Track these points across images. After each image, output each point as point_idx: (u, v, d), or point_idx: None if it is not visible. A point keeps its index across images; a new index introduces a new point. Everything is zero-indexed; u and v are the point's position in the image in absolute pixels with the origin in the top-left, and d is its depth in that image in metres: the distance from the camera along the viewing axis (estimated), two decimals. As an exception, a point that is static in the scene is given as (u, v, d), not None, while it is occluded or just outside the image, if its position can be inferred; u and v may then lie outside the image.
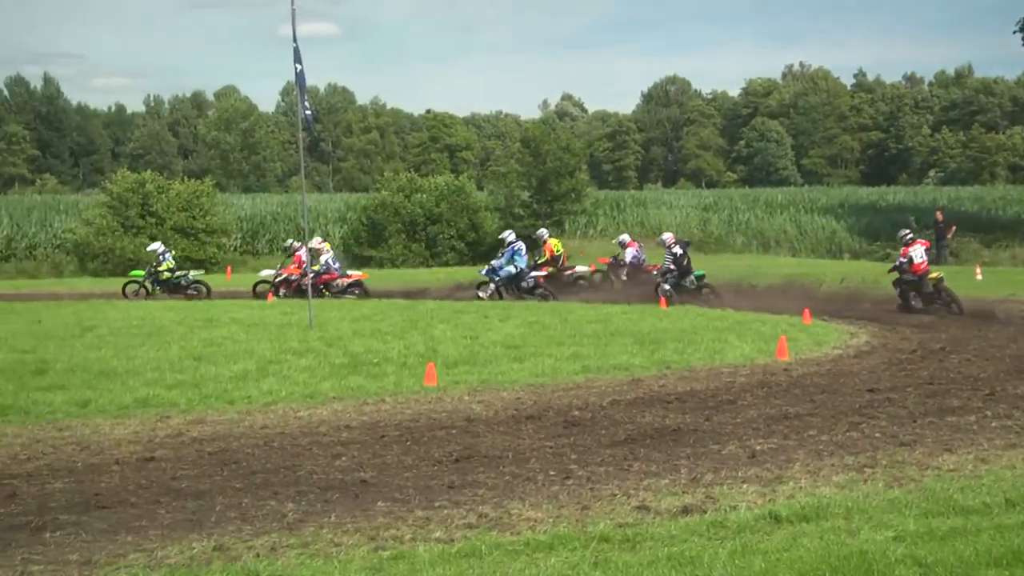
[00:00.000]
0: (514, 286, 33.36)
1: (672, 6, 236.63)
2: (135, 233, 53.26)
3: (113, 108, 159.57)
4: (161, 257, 37.13)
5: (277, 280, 36.22)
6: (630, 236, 37.34)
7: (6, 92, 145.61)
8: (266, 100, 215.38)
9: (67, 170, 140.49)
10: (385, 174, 70.49)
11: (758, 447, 12.30)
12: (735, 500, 9.96)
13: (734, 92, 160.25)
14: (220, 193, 67.21)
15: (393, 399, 15.66)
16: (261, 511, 9.90)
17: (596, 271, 38.01)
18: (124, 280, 38.54)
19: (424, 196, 59.15)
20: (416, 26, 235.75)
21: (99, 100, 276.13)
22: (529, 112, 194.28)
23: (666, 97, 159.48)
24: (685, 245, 33.06)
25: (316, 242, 37.16)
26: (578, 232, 63.91)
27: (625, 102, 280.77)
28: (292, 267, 36.09)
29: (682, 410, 14.73)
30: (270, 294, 35.40)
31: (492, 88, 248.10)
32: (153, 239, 50.05)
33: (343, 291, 35.23)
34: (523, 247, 34.22)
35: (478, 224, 58.86)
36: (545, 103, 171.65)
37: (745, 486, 10.49)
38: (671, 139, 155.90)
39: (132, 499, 10.42)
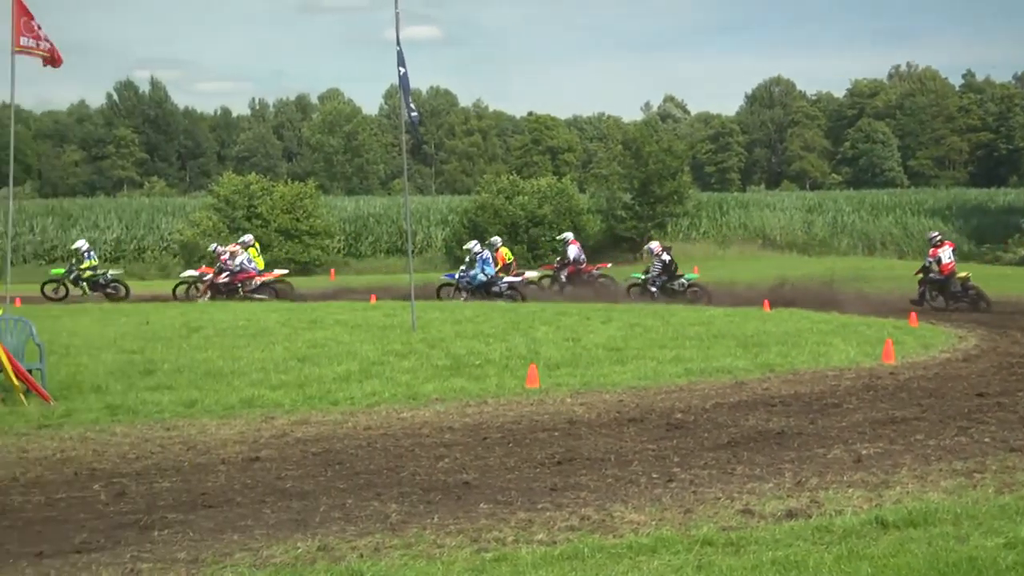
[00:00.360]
0: (483, 291, 35.52)
1: (776, 6, 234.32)
2: (241, 235, 53.91)
3: (219, 112, 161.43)
4: (85, 255, 37.58)
5: (200, 281, 37.07)
6: (573, 235, 39.64)
7: (116, 97, 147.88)
8: (369, 103, 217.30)
9: (174, 173, 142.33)
10: (486, 176, 70.63)
11: (864, 451, 12.14)
12: (841, 504, 9.83)
13: (839, 93, 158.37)
14: (323, 195, 67.82)
15: (495, 401, 15.68)
16: (364, 512, 9.94)
17: (543, 276, 40.36)
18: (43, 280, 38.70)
19: (526, 198, 59.22)
20: (519, 28, 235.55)
21: (206, 104, 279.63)
22: (631, 114, 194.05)
23: (770, 98, 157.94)
24: (670, 252, 36.17)
25: (248, 238, 38.68)
26: (680, 235, 63.68)
27: (728, 104, 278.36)
28: (206, 267, 37.56)
29: (786, 413, 14.60)
30: (201, 292, 36.37)
31: (594, 90, 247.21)
32: (257, 240, 50.76)
33: (256, 290, 36.12)
34: (490, 256, 36.21)
35: (580, 226, 58.81)
36: (647, 105, 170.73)
37: (851, 490, 10.36)
38: (775, 141, 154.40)
39: (238, 498, 10.52)
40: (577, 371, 18.08)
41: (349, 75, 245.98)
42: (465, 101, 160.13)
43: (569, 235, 40.97)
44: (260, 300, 35.09)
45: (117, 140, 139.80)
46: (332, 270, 52.75)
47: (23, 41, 22.78)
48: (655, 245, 36.52)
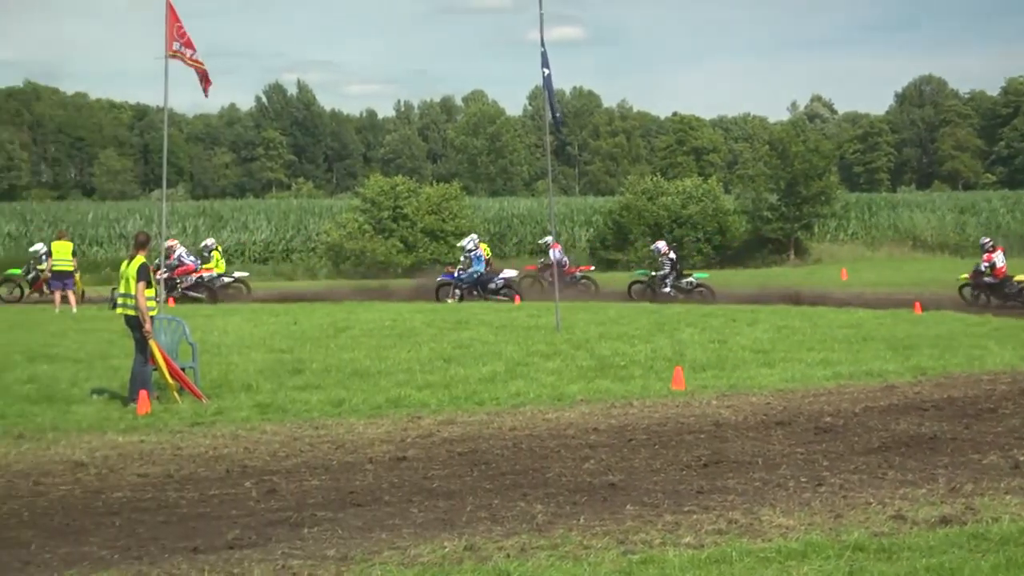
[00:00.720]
0: (479, 288, 36.09)
1: (928, 4, 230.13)
2: (387, 236, 54.39)
3: (364, 114, 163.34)
4: (43, 257, 37.52)
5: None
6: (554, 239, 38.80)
7: (265, 100, 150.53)
8: (513, 104, 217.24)
9: (321, 174, 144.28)
10: (630, 177, 70.38)
11: (1022, 457, 11.85)
12: (997, 512, 9.60)
13: (993, 92, 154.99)
14: (468, 196, 68.09)
15: (640, 402, 15.61)
16: (511, 512, 9.96)
17: (524, 276, 40.52)
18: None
19: (670, 199, 58.88)
20: (663, 28, 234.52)
21: (352, 106, 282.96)
22: (777, 114, 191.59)
23: (920, 97, 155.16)
24: (676, 251, 38.62)
25: (210, 242, 39.44)
26: (828, 236, 62.83)
27: (877, 103, 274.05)
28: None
29: (939, 418, 14.31)
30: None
31: (740, 90, 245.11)
32: (403, 241, 51.25)
33: (191, 287, 36.48)
34: (483, 253, 36.92)
35: (726, 227, 58.31)
36: (794, 105, 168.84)
37: (1008, 497, 10.11)
38: (925, 140, 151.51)
39: (386, 497, 10.61)
40: (723, 373, 17.94)
41: (493, 76, 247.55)
42: (609, 101, 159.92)
43: (550, 239, 40.55)
44: (196, 298, 35.89)
45: (266, 142, 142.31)
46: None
47: (175, 46, 23.25)
48: (662, 245, 37.74)
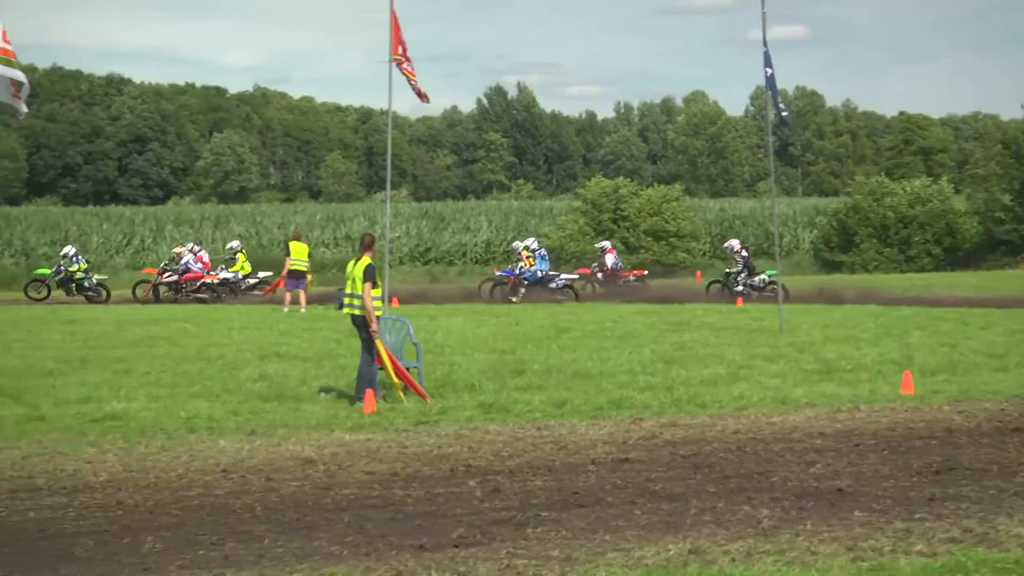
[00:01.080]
0: (539, 287, 37.16)
1: None
2: (607, 237, 54.43)
3: (584, 115, 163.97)
4: (74, 259, 39.23)
5: (157, 281, 38.75)
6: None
7: (486, 102, 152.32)
8: (733, 104, 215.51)
9: (541, 176, 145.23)
10: (857, 178, 69.07)
11: None
12: None
13: None
14: (689, 198, 67.74)
15: (868, 407, 15.25)
16: (735, 516, 9.83)
17: (579, 278, 40.73)
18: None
19: (896, 199, 57.62)
20: (888, 25, 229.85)
21: (571, 107, 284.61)
22: (1011, 111, 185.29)
23: None
24: (748, 249, 39.53)
25: (235, 244, 41.65)
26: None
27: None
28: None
29: None
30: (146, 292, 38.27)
31: (969, 87, 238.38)
32: (624, 243, 51.33)
33: (196, 290, 37.82)
34: (546, 253, 38.81)
35: (955, 229, 56.80)
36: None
37: None
38: None
39: (609, 499, 10.57)
40: (954, 378, 17.45)
41: (713, 77, 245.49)
42: (833, 101, 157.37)
43: (607, 244, 43.89)
44: (201, 300, 37.14)
45: (487, 144, 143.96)
46: (698, 272, 52.60)
47: (399, 50, 23.65)
48: (735, 243, 39.00)
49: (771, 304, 30.33)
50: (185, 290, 37.97)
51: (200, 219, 68.38)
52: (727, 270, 38.10)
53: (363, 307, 15.87)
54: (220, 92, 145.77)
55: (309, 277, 34.25)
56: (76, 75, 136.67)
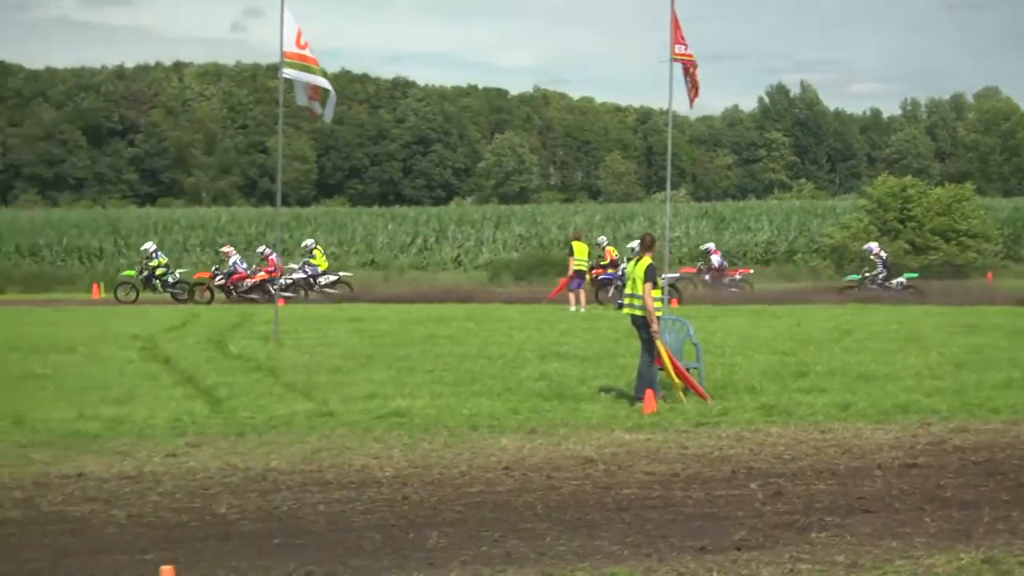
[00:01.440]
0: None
1: None
2: (893, 237, 53.02)
3: (868, 113, 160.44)
4: (154, 255, 39.48)
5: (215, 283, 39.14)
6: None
7: (767, 101, 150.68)
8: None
9: (824, 175, 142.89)
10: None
11: None
12: None
13: None
14: (979, 197, 65.48)
15: None
16: (1032, 525, 9.47)
17: (681, 278, 40.95)
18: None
19: None
20: None
21: (855, 105, 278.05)
22: None
23: None
24: (885, 251, 39.99)
25: (309, 243, 41.95)
26: None
27: None
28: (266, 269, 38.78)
29: None
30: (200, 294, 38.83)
31: None
32: (911, 243, 50.05)
33: (247, 291, 38.22)
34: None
35: None
36: None
37: None
38: None
39: (896, 504, 10.31)
40: None
41: (1008, 72, 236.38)
42: None
43: (711, 245, 44.64)
44: (252, 300, 37.39)
45: (768, 144, 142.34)
46: (989, 273, 50.82)
47: (678, 49, 23.61)
48: (874, 245, 39.48)
49: None
50: (236, 291, 38.80)
51: (481, 219, 69.47)
52: (864, 271, 38.37)
53: (644, 307, 15.86)
54: (501, 93, 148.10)
55: (588, 276, 34.47)
56: (363, 78, 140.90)
